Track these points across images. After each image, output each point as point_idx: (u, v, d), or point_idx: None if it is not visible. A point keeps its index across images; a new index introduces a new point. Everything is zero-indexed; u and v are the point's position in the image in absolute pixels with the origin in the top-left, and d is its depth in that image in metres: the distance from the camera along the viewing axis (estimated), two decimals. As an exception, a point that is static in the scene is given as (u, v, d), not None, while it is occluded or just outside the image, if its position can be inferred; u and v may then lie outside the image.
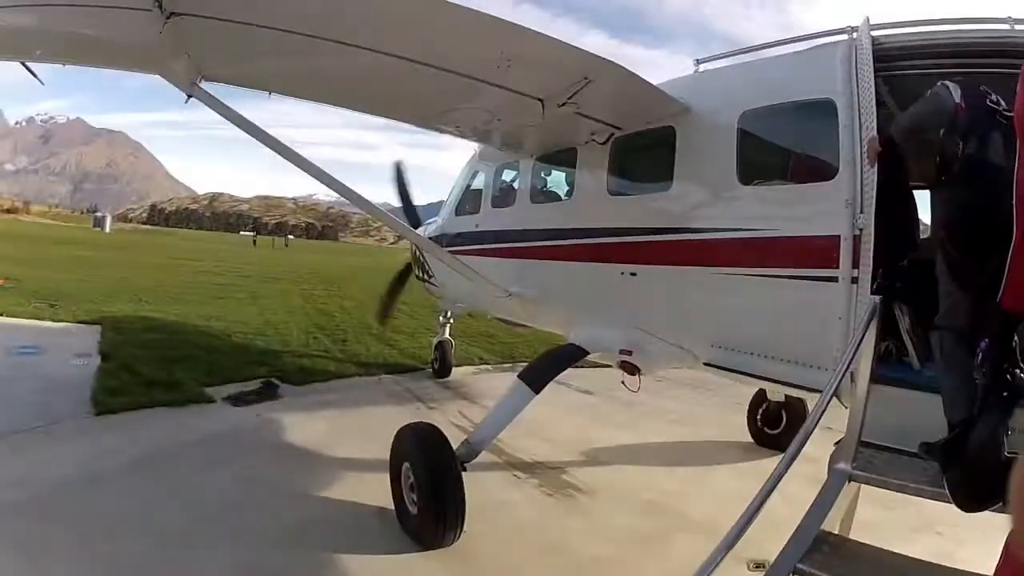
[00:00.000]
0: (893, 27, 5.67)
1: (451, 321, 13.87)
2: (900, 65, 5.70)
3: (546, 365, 7.29)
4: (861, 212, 5.02)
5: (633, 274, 7.08)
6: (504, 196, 10.04)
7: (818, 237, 5.36)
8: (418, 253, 12.99)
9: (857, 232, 5.01)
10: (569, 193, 8.69)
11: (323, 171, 6.76)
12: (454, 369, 13.91)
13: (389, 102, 7.10)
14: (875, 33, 5.54)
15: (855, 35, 5.56)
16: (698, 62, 7.28)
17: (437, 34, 5.06)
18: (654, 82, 6.58)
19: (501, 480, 7.82)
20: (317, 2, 4.81)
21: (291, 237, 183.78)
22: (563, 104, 6.16)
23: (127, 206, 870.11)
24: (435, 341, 13.99)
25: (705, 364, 6.54)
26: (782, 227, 5.68)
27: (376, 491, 6.67)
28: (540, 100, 6.17)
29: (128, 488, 6.76)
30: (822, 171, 5.41)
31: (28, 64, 5.71)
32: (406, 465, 6.36)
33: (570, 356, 7.41)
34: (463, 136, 8.11)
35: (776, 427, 9.62)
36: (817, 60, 5.86)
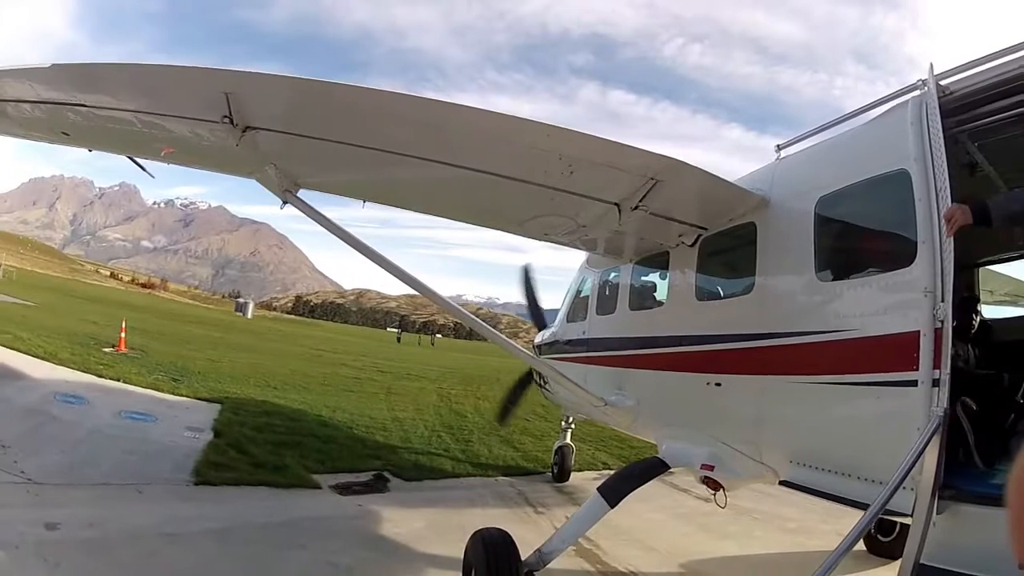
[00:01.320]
0: (962, 70, 5.43)
1: (572, 426, 14.37)
2: (982, 113, 5.53)
3: (625, 479, 7.53)
4: (942, 301, 4.85)
5: (718, 384, 7.19)
6: (607, 302, 10.43)
7: (895, 336, 5.20)
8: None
9: (938, 325, 4.83)
10: (662, 299, 8.89)
11: (412, 276, 7.28)
12: (574, 474, 14.24)
13: (474, 211, 7.90)
14: (944, 82, 5.45)
15: (925, 88, 5.45)
16: (779, 148, 7.46)
17: (498, 145, 5.60)
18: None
19: None
20: (377, 121, 5.42)
21: (438, 336, 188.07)
22: (635, 207, 6.48)
23: (271, 295, 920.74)
24: (556, 445, 14.45)
25: (782, 483, 6.52)
26: (858, 326, 5.57)
27: None
28: (616, 204, 6.53)
29: (198, 551, 7.51)
30: (899, 256, 5.28)
31: (136, 159, 6.78)
32: (473, 571, 6.73)
33: (650, 470, 7.63)
34: (556, 243, 8.33)
35: (889, 534, 9.39)
36: (887, 126, 5.85)
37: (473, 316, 8.21)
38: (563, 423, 14.51)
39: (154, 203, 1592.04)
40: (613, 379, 9.46)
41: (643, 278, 9.65)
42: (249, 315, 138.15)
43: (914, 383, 4.93)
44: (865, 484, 5.39)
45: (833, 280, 6.00)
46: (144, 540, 7.50)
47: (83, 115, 5.68)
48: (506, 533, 6.88)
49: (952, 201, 5.00)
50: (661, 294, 8.99)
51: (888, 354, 5.21)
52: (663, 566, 8.98)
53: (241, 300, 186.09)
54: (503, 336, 8.25)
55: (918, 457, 4.55)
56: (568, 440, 14.31)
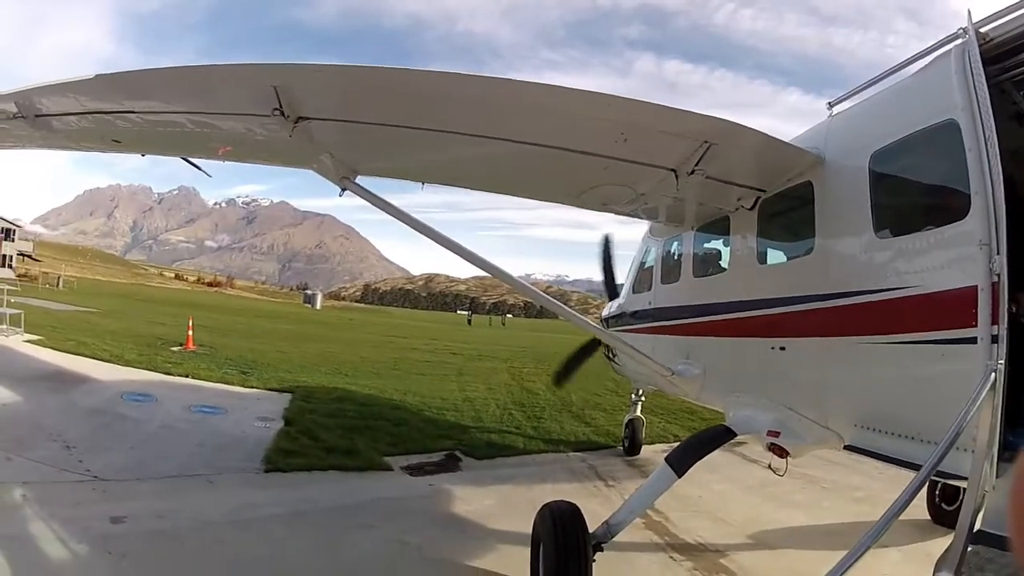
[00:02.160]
0: (1002, 15, 5.23)
1: (642, 399, 14.45)
2: (1021, 60, 5.36)
3: (692, 448, 7.48)
4: (997, 253, 4.70)
5: (783, 348, 7.16)
6: (671, 271, 10.45)
7: (952, 291, 5.09)
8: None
9: (995, 279, 4.69)
10: (725, 265, 8.88)
11: (478, 255, 7.38)
12: (645, 447, 14.35)
13: (532, 185, 7.91)
14: (984, 29, 5.29)
15: (967, 37, 5.30)
16: (830, 105, 7.33)
17: (549, 116, 5.60)
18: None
19: (655, 562, 8.08)
20: (428, 101, 5.46)
21: (509, 316, 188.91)
22: (692, 172, 6.38)
23: (339, 285, 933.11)
24: (626, 419, 14.56)
25: (846, 447, 6.48)
26: (917, 283, 5.46)
27: (520, 566, 7.11)
28: (672, 170, 6.43)
29: (270, 536, 7.75)
30: (953, 208, 5.15)
31: (190, 159, 6.97)
32: (541, 544, 6.83)
33: (717, 438, 7.60)
34: (616, 213, 8.36)
35: (954, 503, 9.33)
36: (931, 77, 5.75)
37: (541, 292, 8.25)
38: (632, 396, 14.59)
39: (215, 203, 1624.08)
40: (679, 348, 9.50)
41: (705, 244, 9.61)
42: (318, 306, 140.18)
43: (973, 340, 4.84)
44: (929, 447, 5.21)
45: (891, 236, 5.89)
46: (212, 528, 7.77)
47: (132, 121, 5.86)
48: (574, 505, 6.93)
49: (1000, 152, 4.93)
50: (723, 260, 8.99)
51: (946, 311, 5.13)
52: (732, 537, 9.03)
53: (309, 292, 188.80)
54: (571, 310, 8.37)
55: (967, 416, 4.42)
56: (638, 413, 14.40)
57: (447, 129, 5.70)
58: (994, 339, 4.67)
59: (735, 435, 7.58)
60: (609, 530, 6.80)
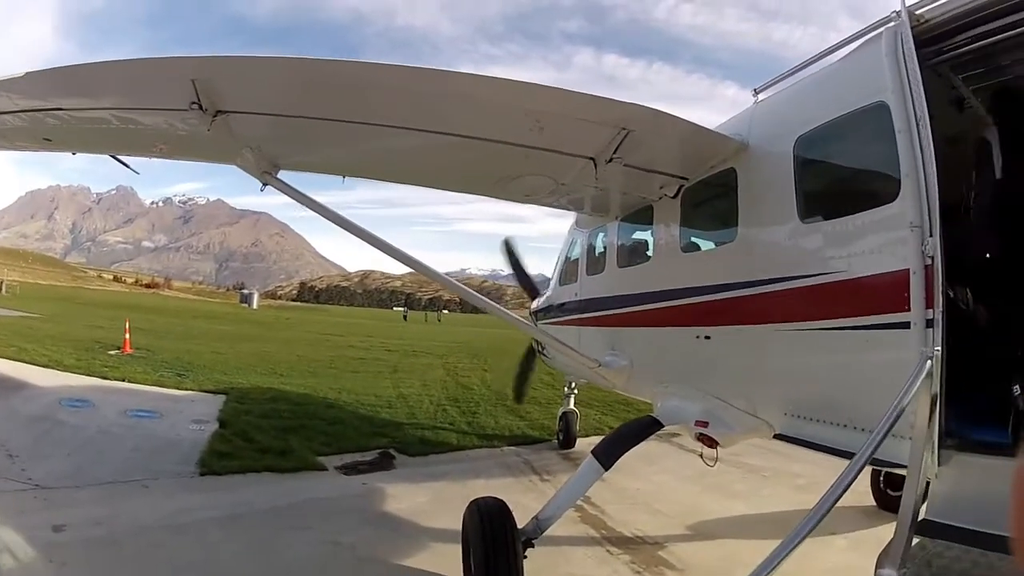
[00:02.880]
0: None
1: (576, 391, 14.33)
2: (959, 41, 5.21)
3: (619, 440, 7.37)
4: (930, 235, 4.54)
5: (707, 337, 6.98)
6: (596, 262, 10.28)
7: (884, 275, 4.93)
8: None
9: (928, 262, 4.52)
10: (649, 254, 8.68)
11: (405, 252, 7.11)
12: (580, 440, 14.22)
13: (454, 177, 7.69)
14: (919, 11, 5.14)
15: (899, 20, 5.15)
16: (756, 91, 7.20)
17: (463, 106, 5.42)
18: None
19: (592, 556, 7.97)
20: (346, 92, 5.27)
21: (445, 312, 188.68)
22: (611, 160, 6.18)
23: (275, 284, 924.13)
24: (560, 412, 14.42)
25: (776, 436, 6.31)
26: (845, 267, 5.30)
27: (453, 564, 6.95)
28: (591, 158, 6.22)
29: (203, 539, 7.59)
30: (883, 192, 4.99)
31: (118, 156, 6.73)
32: (469, 542, 6.63)
33: (644, 429, 7.45)
34: (540, 204, 8.14)
35: (899, 488, 8.92)
36: (862, 59, 5.59)
37: (467, 288, 8.10)
38: (566, 388, 14.47)
39: (152, 203, 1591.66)
40: (606, 339, 9.36)
41: (630, 234, 9.49)
42: (255, 305, 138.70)
43: (906, 325, 4.68)
44: (862, 435, 4.99)
45: (817, 221, 5.72)
46: (150, 533, 7.60)
47: (61, 119, 5.67)
48: (502, 501, 6.79)
49: (935, 136, 4.78)
50: (648, 249, 8.81)
51: (878, 295, 4.98)
52: (670, 528, 8.96)
53: (246, 291, 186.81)
54: (498, 305, 8.16)
55: (902, 403, 4.23)
56: (572, 406, 14.31)
57: (366, 121, 5.57)
58: (928, 323, 4.54)
59: (662, 426, 7.44)
60: (539, 526, 6.65)
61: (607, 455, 7.05)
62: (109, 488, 8.99)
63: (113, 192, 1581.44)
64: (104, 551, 7.05)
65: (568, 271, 11.84)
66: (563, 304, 11.62)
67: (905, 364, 4.53)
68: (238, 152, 6.11)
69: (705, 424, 6.92)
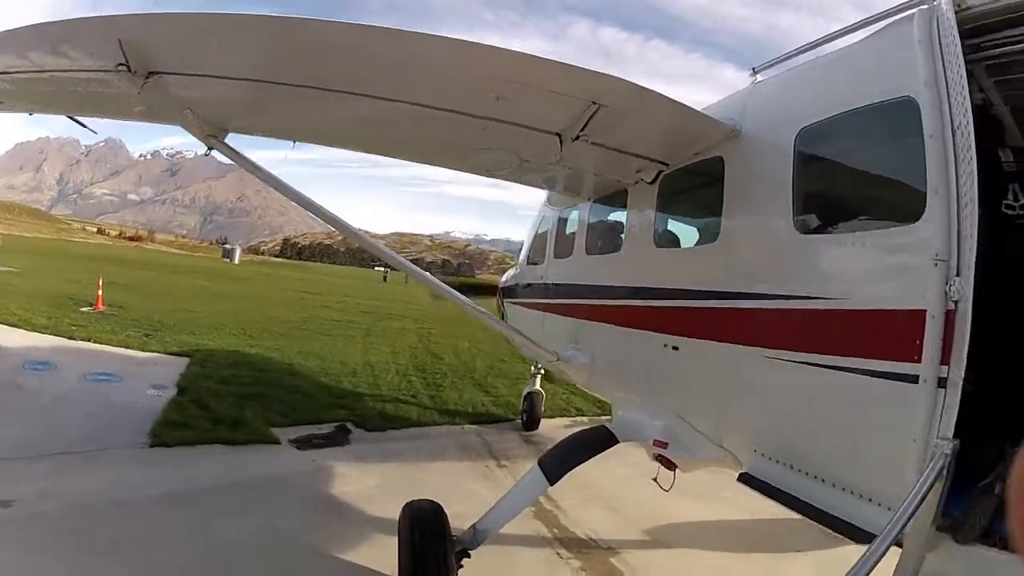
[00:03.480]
0: None
1: (543, 371, 13.61)
2: (1005, 39, 4.34)
3: (568, 452, 6.70)
4: (957, 275, 3.73)
5: (675, 348, 6.22)
6: (564, 245, 9.60)
7: (893, 312, 4.13)
8: (499, 300, 12.97)
9: (951, 306, 3.72)
10: (619, 244, 7.80)
11: (338, 218, 6.82)
12: (545, 421, 13.72)
13: (412, 147, 7.14)
14: None
15: (936, 1, 4.33)
16: (754, 71, 6.32)
17: (413, 70, 4.82)
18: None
19: (540, 560, 7.53)
20: (282, 52, 4.72)
21: (427, 274, 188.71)
22: (577, 137, 5.44)
23: (259, 239, 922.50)
24: (525, 391, 13.77)
25: (740, 477, 5.47)
26: (844, 293, 4.48)
27: (391, 559, 6.34)
28: (556, 134, 5.50)
29: (145, 519, 7.19)
30: (903, 208, 4.15)
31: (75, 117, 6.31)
32: (401, 548, 6.07)
33: (597, 443, 6.77)
34: (505, 179, 7.41)
35: None
36: (887, 43, 4.71)
37: (396, 254, 7.70)
38: (532, 367, 13.85)
39: (140, 156, 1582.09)
40: (569, 330, 8.69)
41: (600, 219, 8.68)
42: (236, 260, 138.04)
43: (914, 379, 3.86)
44: (841, 495, 4.47)
45: (815, 232, 4.98)
46: (92, 510, 7.24)
47: (8, 81, 5.30)
48: (437, 507, 6.28)
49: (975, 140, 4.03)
50: (619, 238, 7.90)
51: (882, 336, 4.19)
52: (626, 531, 8.47)
53: (228, 246, 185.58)
54: (428, 273, 7.84)
55: (922, 499, 3.56)
56: (538, 386, 13.65)
57: (314, 85, 4.98)
58: (941, 383, 3.74)
59: (617, 441, 6.72)
60: (476, 536, 6.11)
61: (554, 468, 6.44)
62: (60, 460, 8.58)
63: (102, 144, 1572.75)
64: (45, 528, 6.72)
65: (536, 249, 11.18)
66: (529, 285, 11.03)
67: (906, 425, 3.90)
68: (179, 113, 5.55)
69: (664, 445, 6.35)
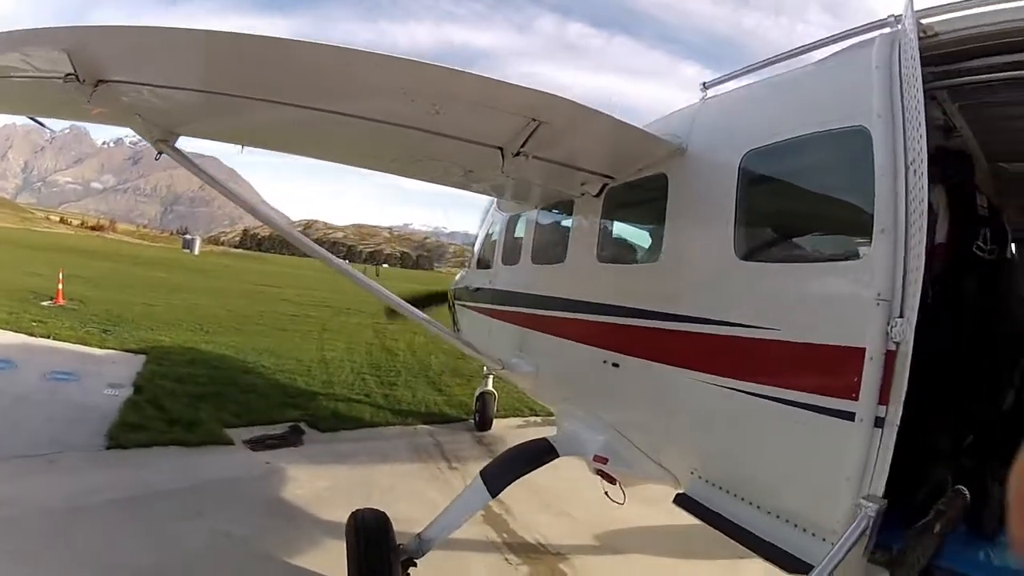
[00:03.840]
0: (950, 9, 4.10)
1: None
2: (972, 67, 4.27)
3: (510, 465, 6.54)
4: (900, 316, 3.65)
5: (615, 365, 6.14)
6: (512, 251, 9.49)
7: (832, 348, 3.98)
8: (449, 302, 12.94)
9: (892, 347, 3.64)
10: (564, 255, 7.59)
11: (276, 219, 6.92)
12: (498, 421, 13.79)
13: (359, 155, 7.05)
14: (926, 20, 4.11)
15: (900, 26, 4.16)
16: (705, 86, 6.10)
17: (354, 84, 4.89)
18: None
19: (489, 566, 7.57)
20: (226, 66, 4.75)
21: (385, 266, 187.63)
22: (518, 153, 5.36)
23: (219, 229, 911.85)
24: (477, 392, 13.73)
25: (678, 499, 5.38)
26: (784, 324, 4.34)
27: (339, 564, 6.23)
28: (499, 148, 5.40)
29: (101, 525, 7.21)
30: (847, 243, 4.18)
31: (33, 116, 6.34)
32: (348, 557, 5.98)
33: (538, 457, 6.55)
34: (453, 187, 7.57)
35: None
36: (843, 68, 4.58)
37: (326, 252, 7.15)
38: (485, 368, 13.45)
39: (104, 143, 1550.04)
40: (514, 338, 8.63)
41: (547, 229, 8.60)
42: (196, 251, 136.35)
43: (850, 416, 3.78)
44: (776, 523, 4.40)
45: (755, 259, 4.85)
46: (52, 516, 7.25)
47: None
48: (382, 516, 6.23)
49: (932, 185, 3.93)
50: (564, 249, 7.67)
51: (820, 370, 4.09)
52: (576, 536, 8.50)
53: (188, 237, 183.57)
54: (362, 275, 7.57)
55: (857, 538, 3.58)
56: (490, 387, 13.61)
57: (259, 97, 5.00)
58: (879, 423, 3.69)
59: (558, 455, 6.52)
60: (421, 546, 6.04)
61: (495, 480, 6.31)
62: (19, 464, 8.58)
63: (67, 131, 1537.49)
64: (8, 536, 6.72)
65: (486, 252, 11.15)
66: (478, 289, 10.93)
67: (840, 462, 3.83)
68: (129, 118, 5.59)
69: (604, 460, 6.28)
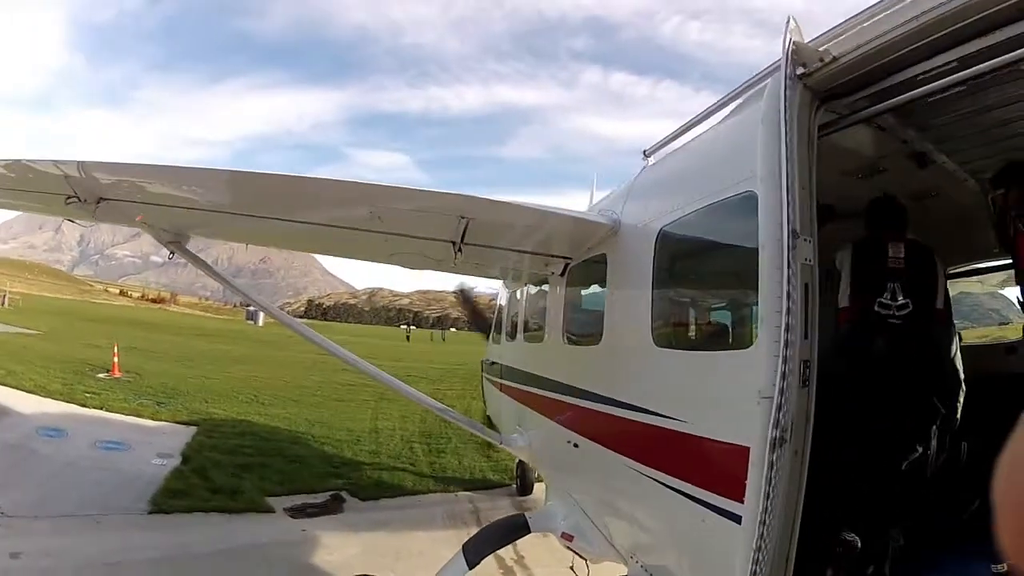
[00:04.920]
0: (844, 29, 3.51)
1: None
2: (904, 81, 3.45)
3: (487, 538, 6.78)
4: (781, 411, 3.29)
5: (576, 445, 6.14)
6: (512, 327, 9.78)
7: (721, 445, 3.74)
8: (481, 374, 13.26)
9: (775, 444, 3.31)
10: (542, 335, 7.72)
11: (279, 311, 7.46)
12: (539, 486, 13.70)
13: (343, 250, 7.72)
14: (826, 46, 3.52)
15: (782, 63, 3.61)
16: (646, 154, 5.94)
17: (317, 202, 5.50)
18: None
19: None
20: (214, 191, 5.33)
21: (453, 330, 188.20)
22: (463, 245, 5.49)
23: (283, 300, 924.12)
24: (517, 459, 13.58)
25: None
26: (687, 417, 4.14)
27: None
28: (451, 242, 5.54)
29: None
30: (737, 330, 4.06)
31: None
32: None
33: (512, 531, 6.90)
34: (438, 270, 7.57)
35: None
36: (735, 125, 4.30)
37: (306, 327, 7.78)
38: None
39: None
40: (514, 413, 9.00)
41: (533, 307, 8.81)
42: (260, 323, 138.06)
43: (737, 519, 3.51)
44: None
45: (666, 346, 4.75)
46: (90, 569, 7.93)
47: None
48: None
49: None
50: (543, 329, 7.78)
51: (712, 467, 3.88)
52: None
53: (252, 309, 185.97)
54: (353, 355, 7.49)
55: None
56: None
57: (245, 213, 5.69)
58: (762, 523, 3.37)
59: (529, 531, 6.77)
60: None
61: (474, 553, 6.49)
62: (66, 521, 9.32)
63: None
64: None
65: (497, 326, 11.55)
66: (493, 362, 11.27)
67: (730, 565, 3.59)
68: (140, 225, 6.11)
69: (571, 538, 6.34)
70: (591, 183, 10.88)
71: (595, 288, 6.26)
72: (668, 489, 4.27)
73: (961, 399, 5.25)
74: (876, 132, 4.54)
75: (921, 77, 3.35)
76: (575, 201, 6.06)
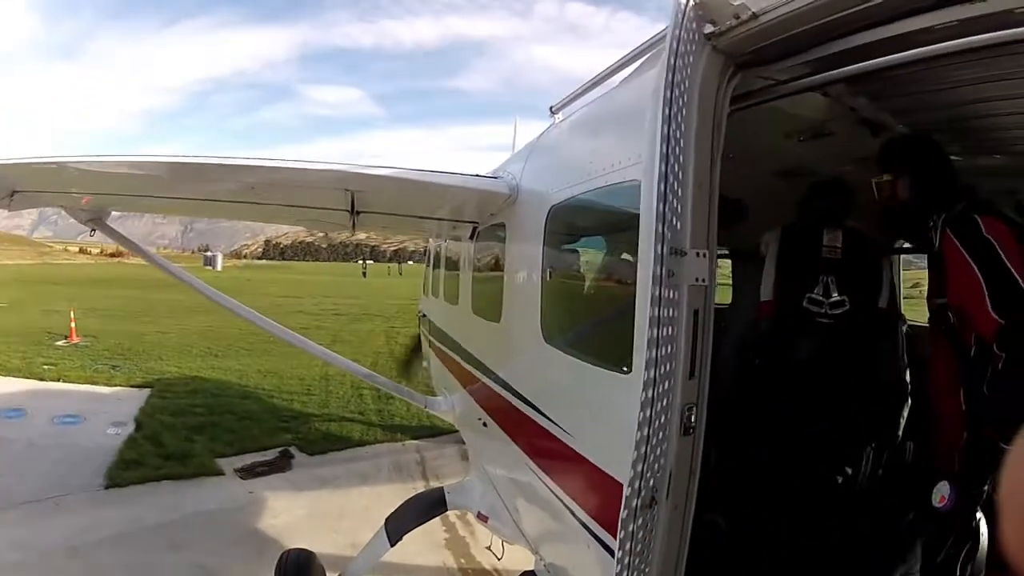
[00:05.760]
0: None
1: None
2: (851, 48, 2.57)
3: (409, 514, 6.33)
4: (663, 448, 2.76)
5: (484, 424, 5.59)
6: (435, 282, 9.31)
7: (599, 474, 3.23)
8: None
9: (651, 487, 2.76)
10: (459, 298, 6.99)
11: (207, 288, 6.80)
12: None
13: (247, 214, 7.05)
14: (737, 2, 2.61)
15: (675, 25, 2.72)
16: (552, 111, 5.21)
17: (206, 181, 5.15)
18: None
19: None
20: (117, 181, 5.09)
21: (410, 263, 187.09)
22: (357, 213, 5.03)
23: (241, 242, 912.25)
24: None
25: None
26: (572, 431, 3.64)
27: None
28: (346, 211, 5.04)
29: (94, 563, 7.84)
30: (618, 348, 3.00)
31: None
32: None
33: (432, 507, 6.39)
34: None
35: None
36: (632, 92, 3.62)
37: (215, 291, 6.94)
38: None
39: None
40: (439, 374, 8.56)
41: (449, 267, 8.04)
42: (218, 267, 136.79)
43: (611, 552, 2.86)
44: None
45: (553, 345, 4.04)
46: (53, 557, 7.90)
47: None
48: (310, 556, 6.30)
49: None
50: (458, 292, 7.12)
51: (592, 493, 3.42)
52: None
53: (209, 254, 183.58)
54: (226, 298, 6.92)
55: None
56: None
57: (155, 195, 5.81)
58: (637, 563, 2.84)
59: (447, 509, 6.36)
60: None
61: (395, 529, 6.18)
62: (28, 508, 9.29)
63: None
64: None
65: (425, 281, 11.12)
66: (423, 315, 10.96)
67: None
68: (58, 207, 5.85)
69: (486, 519, 5.89)
70: (513, 129, 10.54)
71: (496, 260, 5.52)
72: (556, 499, 3.83)
73: (906, 412, 4.82)
74: (821, 98, 3.71)
75: (876, 46, 2.51)
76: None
